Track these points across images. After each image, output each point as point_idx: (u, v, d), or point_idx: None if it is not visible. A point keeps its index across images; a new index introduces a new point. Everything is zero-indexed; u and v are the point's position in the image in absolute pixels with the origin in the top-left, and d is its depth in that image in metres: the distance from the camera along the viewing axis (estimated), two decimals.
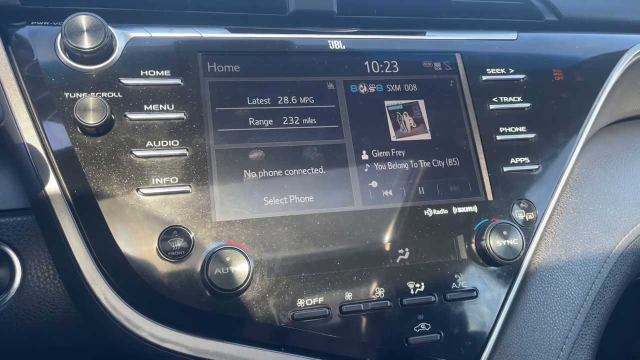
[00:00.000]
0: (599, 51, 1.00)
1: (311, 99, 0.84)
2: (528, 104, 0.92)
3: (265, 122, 0.81)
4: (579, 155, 0.94)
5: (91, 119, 0.71)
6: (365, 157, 0.83)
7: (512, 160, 0.88)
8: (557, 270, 0.89)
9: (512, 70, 0.93)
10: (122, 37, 0.79)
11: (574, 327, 0.86)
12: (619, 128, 1.12)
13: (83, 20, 0.74)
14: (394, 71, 0.89)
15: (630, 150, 1.06)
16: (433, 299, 0.79)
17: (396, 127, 0.86)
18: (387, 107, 0.87)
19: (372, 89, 0.88)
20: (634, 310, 1.41)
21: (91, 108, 0.71)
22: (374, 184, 0.82)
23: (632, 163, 1.03)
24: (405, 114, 0.87)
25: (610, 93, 0.98)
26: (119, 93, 0.76)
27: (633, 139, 1.09)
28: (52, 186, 0.72)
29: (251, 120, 0.81)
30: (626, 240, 0.94)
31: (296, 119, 0.83)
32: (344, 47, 0.88)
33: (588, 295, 0.89)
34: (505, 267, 0.83)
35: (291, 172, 0.79)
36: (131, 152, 0.74)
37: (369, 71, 0.88)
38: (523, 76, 0.93)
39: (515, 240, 0.81)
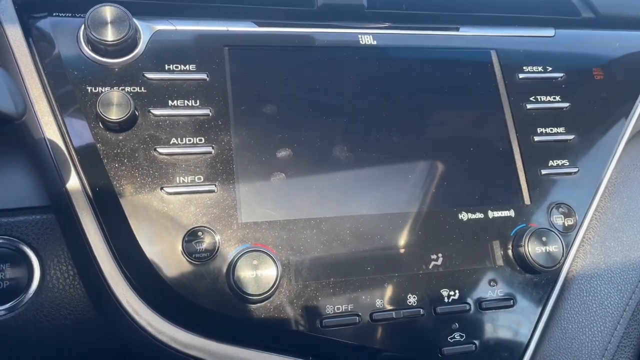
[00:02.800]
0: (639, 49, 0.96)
1: (341, 96, 0.81)
2: (567, 104, 0.88)
3: (293, 119, 0.78)
4: (619, 159, 0.89)
5: (114, 114, 0.69)
6: (397, 157, 0.80)
7: (551, 163, 0.84)
8: (595, 279, 0.84)
9: (550, 69, 0.89)
10: (146, 30, 0.76)
11: (613, 338, 0.82)
12: None
13: (107, 11, 0.71)
14: (427, 68, 0.85)
15: None
16: (468, 307, 0.75)
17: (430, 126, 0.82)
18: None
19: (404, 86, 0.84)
20: None
21: (115, 103, 0.69)
22: (406, 185, 0.79)
23: None
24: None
25: None
26: (142, 88, 0.73)
27: None
28: (73, 183, 0.69)
29: (278, 117, 0.77)
30: None
31: (325, 116, 0.79)
32: (375, 43, 0.84)
33: (628, 305, 0.84)
34: (543, 275, 0.79)
35: (319, 172, 0.76)
36: (155, 149, 0.71)
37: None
38: (561, 74, 0.89)
39: (555, 247, 0.77)
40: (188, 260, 0.68)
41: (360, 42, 0.84)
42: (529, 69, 0.88)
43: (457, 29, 0.90)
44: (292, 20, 0.83)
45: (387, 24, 0.87)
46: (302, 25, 0.83)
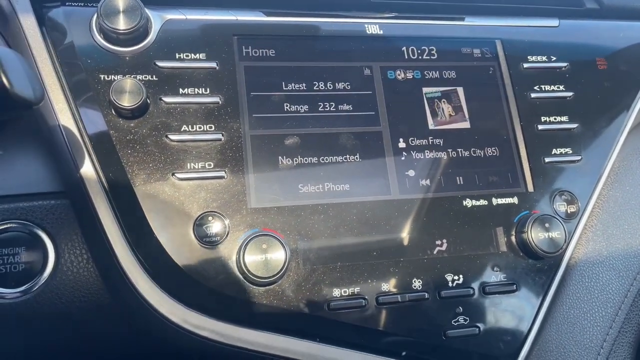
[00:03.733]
0: None
1: (347, 84, 0.82)
2: (570, 93, 0.89)
3: (301, 107, 0.79)
4: (621, 148, 0.91)
5: (127, 102, 0.70)
6: (402, 145, 0.81)
7: (554, 151, 0.85)
8: (598, 265, 0.86)
9: (554, 58, 0.90)
10: (157, 19, 0.77)
11: (614, 324, 0.84)
12: None
13: (120, 0, 0.72)
14: (432, 57, 0.87)
15: None
16: (472, 291, 0.76)
17: (434, 115, 0.84)
18: (425, 94, 0.85)
19: (409, 75, 0.85)
20: None
21: (127, 90, 0.70)
22: (411, 172, 0.80)
23: None
24: (443, 101, 0.85)
25: None
26: (154, 76, 0.75)
27: None
28: (87, 169, 0.71)
29: (287, 105, 0.79)
30: None
31: (332, 105, 0.81)
32: (381, 32, 0.86)
33: (629, 291, 0.86)
34: (545, 261, 0.80)
35: (327, 159, 0.78)
36: (166, 136, 0.73)
37: (406, 57, 0.86)
38: (565, 64, 0.90)
39: (558, 233, 0.78)
40: (199, 244, 0.70)
41: (367, 31, 0.85)
42: (534, 58, 0.89)
43: (463, 19, 0.91)
44: (299, 10, 0.85)
45: (393, 14, 0.88)
46: (310, 15, 0.84)
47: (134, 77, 0.73)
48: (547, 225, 0.78)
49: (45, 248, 0.74)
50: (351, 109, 0.81)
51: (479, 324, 0.76)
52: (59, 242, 0.74)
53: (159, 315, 0.69)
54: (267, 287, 0.71)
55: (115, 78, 0.73)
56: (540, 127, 0.86)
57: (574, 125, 0.87)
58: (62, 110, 0.72)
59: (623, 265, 0.87)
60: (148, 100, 0.73)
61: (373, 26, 0.86)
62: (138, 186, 0.71)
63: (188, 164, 0.72)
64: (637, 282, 0.87)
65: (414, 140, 0.82)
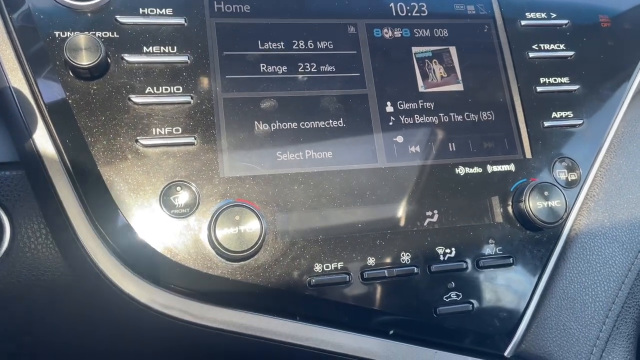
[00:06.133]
0: None
1: (330, 43, 0.75)
2: (571, 53, 0.82)
3: (279, 68, 0.73)
4: (625, 112, 0.84)
5: (84, 60, 0.64)
6: (389, 109, 0.75)
7: (554, 115, 0.79)
8: (600, 237, 0.80)
9: (554, 15, 0.84)
10: None
11: (617, 299, 0.78)
12: None
13: None
14: (422, 14, 0.80)
15: None
16: (465, 265, 0.71)
17: (424, 76, 0.77)
18: (415, 54, 0.78)
19: (397, 33, 0.78)
20: None
21: (83, 47, 0.64)
22: (400, 138, 0.74)
23: None
24: (434, 62, 0.78)
25: None
26: (115, 33, 0.68)
27: None
28: (41, 136, 0.64)
29: (263, 66, 0.72)
30: None
31: (313, 65, 0.74)
32: None
33: (633, 264, 0.80)
34: (544, 232, 0.74)
35: (307, 124, 0.71)
36: (129, 99, 0.66)
37: (394, 14, 0.79)
38: (566, 21, 0.84)
39: (558, 202, 0.72)
40: (167, 217, 0.64)
41: None
42: (532, 15, 0.83)
43: None
44: None
45: None
46: None
47: (92, 34, 0.67)
48: (546, 193, 0.72)
49: (1, 223, 0.68)
50: (334, 70, 0.75)
51: (472, 300, 0.71)
52: (15, 216, 0.68)
53: (124, 294, 0.63)
54: (242, 263, 0.65)
55: (72, 35, 0.66)
56: (539, 89, 0.79)
57: (575, 87, 0.81)
58: (13, 70, 0.65)
59: (627, 238, 0.81)
60: (108, 59, 0.66)
61: None
62: (98, 154, 0.64)
63: (153, 129, 0.66)
64: None
65: (402, 103, 0.75)
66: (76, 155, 0.64)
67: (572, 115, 0.79)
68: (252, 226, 0.63)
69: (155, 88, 0.67)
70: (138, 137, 0.65)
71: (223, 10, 0.73)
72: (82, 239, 0.63)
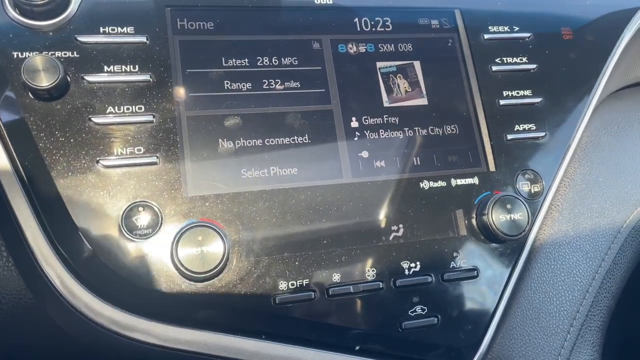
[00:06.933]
0: (611, 8, 0.92)
1: (295, 59, 0.76)
2: (534, 66, 0.83)
3: (243, 85, 0.73)
4: (588, 122, 0.86)
5: (43, 81, 0.63)
6: (354, 124, 0.75)
7: (517, 127, 0.80)
8: (564, 247, 0.81)
9: (517, 28, 0.85)
10: None
11: (582, 307, 0.80)
12: (628, 94, 1.03)
13: None
14: (386, 29, 0.81)
15: None
16: (430, 279, 0.71)
17: (389, 91, 0.78)
18: (380, 69, 0.79)
19: (362, 48, 0.79)
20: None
21: (41, 68, 0.63)
22: (365, 154, 0.74)
23: None
24: (399, 76, 0.79)
25: (622, 54, 0.90)
26: (75, 52, 0.67)
27: None
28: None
29: (227, 83, 0.72)
30: (638, 214, 0.86)
31: (278, 82, 0.74)
32: (331, 2, 0.79)
33: (597, 273, 0.82)
34: (508, 244, 0.75)
35: (272, 141, 0.71)
36: (90, 119, 0.66)
37: (359, 29, 0.79)
38: (529, 35, 0.85)
39: (520, 215, 0.73)
40: (128, 238, 0.63)
41: (316, 1, 0.79)
42: (495, 29, 0.84)
43: None
44: None
45: None
46: None
47: (51, 54, 0.66)
48: (508, 206, 0.73)
49: None
50: (299, 86, 0.75)
51: (437, 314, 0.71)
52: None
53: (84, 317, 0.62)
54: (206, 283, 0.64)
55: (31, 55, 0.65)
56: (502, 102, 0.80)
57: (538, 100, 0.82)
58: None
59: (590, 246, 0.83)
60: (68, 79, 0.66)
61: None
62: (58, 176, 0.63)
63: (115, 150, 0.65)
64: (606, 264, 0.83)
65: (367, 119, 0.76)
66: (36, 177, 0.64)
67: (534, 127, 0.81)
68: (215, 246, 0.63)
69: (116, 108, 0.67)
70: (99, 158, 0.65)
71: (186, 28, 0.73)
72: (41, 262, 0.62)
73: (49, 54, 0.66)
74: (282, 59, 0.75)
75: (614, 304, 0.84)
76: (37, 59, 0.63)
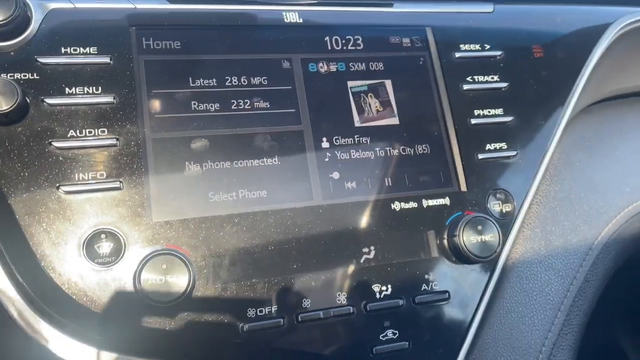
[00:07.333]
0: (582, 25, 0.92)
1: (264, 79, 0.74)
2: (505, 84, 0.83)
3: (211, 106, 0.71)
4: (559, 140, 0.86)
5: (0, 105, 0.61)
6: (325, 145, 0.74)
7: (488, 147, 0.80)
8: (536, 265, 0.81)
9: (488, 47, 0.85)
10: (39, 8, 0.68)
11: (554, 326, 0.80)
12: (598, 109, 1.04)
13: None
14: (357, 48, 0.80)
15: (611, 133, 0.98)
16: (401, 302, 0.71)
17: (360, 110, 0.77)
18: (351, 88, 0.78)
19: (333, 67, 0.78)
20: (614, 295, 1.36)
21: None
22: (336, 175, 0.73)
23: (613, 147, 0.96)
24: (370, 95, 0.78)
25: (593, 70, 0.90)
26: (35, 74, 0.65)
27: (613, 121, 1.01)
28: None
29: (194, 104, 0.71)
30: (609, 230, 0.87)
31: (246, 102, 0.73)
32: (301, 20, 0.78)
33: (569, 291, 0.82)
34: (480, 265, 0.75)
35: (240, 163, 0.70)
36: (50, 143, 0.64)
37: (329, 48, 0.79)
38: (500, 53, 0.85)
39: (491, 236, 0.73)
40: (90, 267, 0.61)
41: (285, 19, 0.78)
42: (466, 47, 0.84)
43: (391, 5, 0.84)
44: None
45: (314, 0, 0.81)
46: (220, 2, 0.76)
47: (10, 75, 0.64)
48: (479, 227, 0.73)
49: None
50: (268, 106, 0.74)
51: (409, 338, 0.70)
52: None
53: (45, 351, 0.60)
54: (171, 312, 0.63)
55: None
56: (473, 121, 0.80)
57: (509, 119, 0.82)
58: None
59: (562, 264, 0.83)
60: (27, 101, 0.64)
61: (292, 14, 0.78)
62: (17, 202, 0.61)
63: (76, 175, 0.64)
64: (577, 281, 0.83)
65: (338, 139, 0.75)
66: None
67: (505, 146, 0.80)
68: (180, 274, 0.61)
69: (78, 131, 0.65)
70: (60, 184, 0.63)
71: (152, 47, 0.71)
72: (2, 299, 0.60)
73: (8, 75, 0.64)
74: (251, 78, 0.74)
75: (586, 321, 0.85)
76: None
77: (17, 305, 0.60)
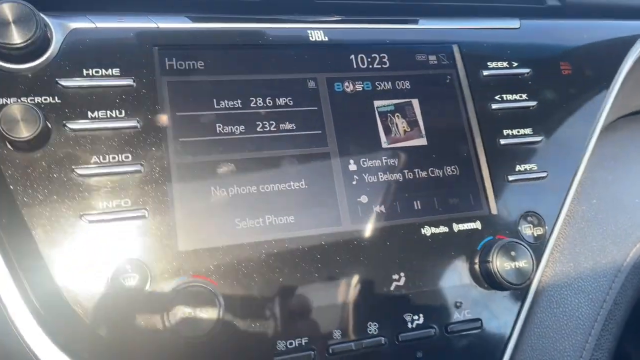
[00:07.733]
0: (609, 40, 0.90)
1: (289, 100, 0.72)
2: (534, 102, 0.81)
3: (236, 128, 0.69)
4: (588, 159, 0.84)
5: (22, 132, 0.59)
6: (353, 167, 0.72)
7: (518, 167, 0.78)
8: (565, 289, 0.79)
9: (516, 64, 0.83)
10: (59, 29, 0.65)
11: (585, 352, 0.78)
12: (623, 124, 1.02)
13: (7, 9, 0.60)
14: (383, 66, 0.78)
15: (636, 149, 0.97)
16: (433, 332, 0.68)
17: (387, 131, 0.75)
18: (377, 108, 0.76)
19: (359, 87, 0.76)
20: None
21: (20, 118, 0.58)
22: (364, 199, 0.71)
23: (638, 163, 0.94)
24: (397, 115, 0.76)
25: (622, 87, 0.88)
26: (56, 97, 0.63)
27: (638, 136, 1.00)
28: None
29: (219, 127, 0.68)
30: (637, 251, 0.85)
31: (272, 124, 0.71)
32: (327, 39, 0.76)
33: (599, 315, 0.80)
34: (512, 291, 0.73)
35: (267, 187, 0.68)
36: (73, 171, 0.61)
37: (355, 66, 0.76)
38: (527, 70, 0.83)
39: (525, 262, 0.71)
40: (116, 300, 0.59)
41: (310, 38, 0.75)
42: (494, 64, 0.82)
43: (416, 22, 0.82)
44: (231, 14, 0.74)
45: (339, 17, 0.79)
46: (243, 20, 0.74)
47: (30, 99, 0.62)
48: (513, 253, 0.70)
49: None
50: (294, 127, 0.71)
51: None
52: None
53: None
54: (199, 345, 0.60)
55: (8, 102, 0.61)
56: (502, 141, 0.78)
57: (539, 138, 0.80)
58: None
59: (592, 287, 0.81)
60: (49, 127, 0.61)
61: (317, 32, 0.76)
62: (39, 232, 0.59)
63: (100, 204, 0.61)
64: (607, 304, 0.81)
65: (365, 161, 0.73)
66: (13, 233, 0.59)
67: (536, 167, 0.78)
68: (209, 307, 0.59)
69: (101, 157, 0.62)
70: (83, 213, 0.60)
71: (175, 68, 0.69)
72: (18, 326, 0.58)
73: (28, 99, 0.61)
74: (276, 99, 0.72)
75: (616, 345, 0.83)
76: (14, 108, 0.58)
77: (37, 339, 0.58)
